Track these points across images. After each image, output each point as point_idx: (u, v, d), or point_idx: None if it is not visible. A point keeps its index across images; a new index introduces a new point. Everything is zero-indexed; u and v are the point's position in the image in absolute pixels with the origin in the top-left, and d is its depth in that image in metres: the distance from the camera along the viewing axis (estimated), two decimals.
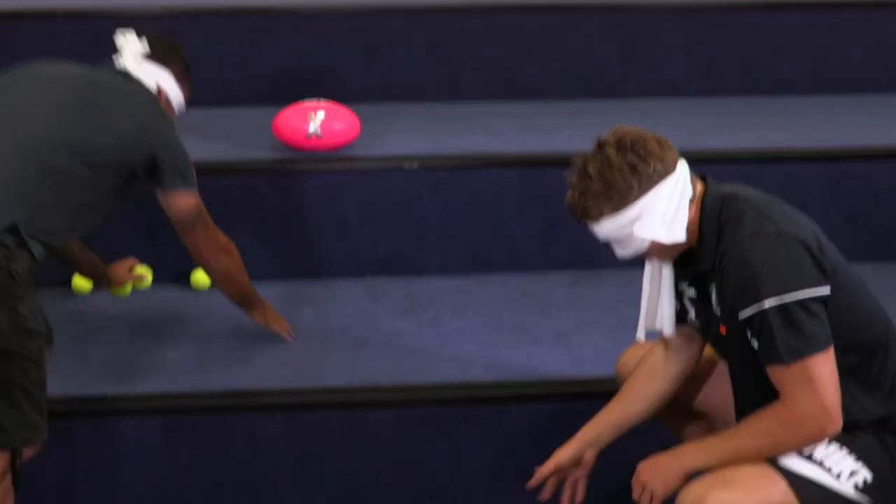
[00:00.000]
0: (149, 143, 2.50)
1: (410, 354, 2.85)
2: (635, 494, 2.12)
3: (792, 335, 1.92)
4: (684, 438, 2.37)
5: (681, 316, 2.21)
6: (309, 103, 3.35)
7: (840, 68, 4.08)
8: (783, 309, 1.92)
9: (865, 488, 2.00)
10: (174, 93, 2.74)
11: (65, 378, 2.65)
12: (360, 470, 2.67)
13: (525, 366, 2.78)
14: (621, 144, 2.00)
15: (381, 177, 3.28)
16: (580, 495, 2.30)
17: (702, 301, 2.13)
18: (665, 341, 2.26)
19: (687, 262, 2.10)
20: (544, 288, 3.21)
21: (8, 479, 2.24)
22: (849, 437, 2.02)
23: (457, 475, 2.69)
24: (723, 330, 2.08)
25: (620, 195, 1.98)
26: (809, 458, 2.00)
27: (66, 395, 2.54)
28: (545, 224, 3.30)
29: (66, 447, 2.56)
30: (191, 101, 4.12)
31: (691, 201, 2.04)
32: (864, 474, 2.00)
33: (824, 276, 1.96)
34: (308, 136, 3.28)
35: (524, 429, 2.69)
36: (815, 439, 1.97)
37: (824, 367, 1.93)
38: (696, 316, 2.18)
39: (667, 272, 2.17)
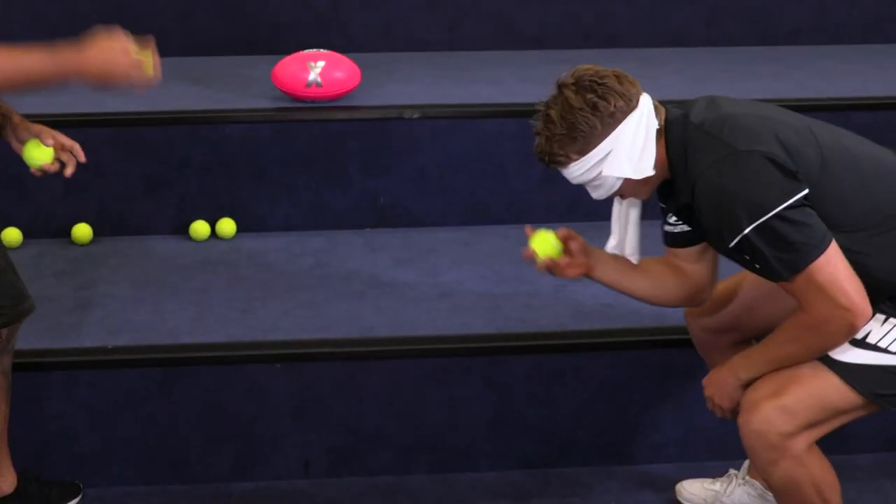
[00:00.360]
0: None
1: (410, 305, 2.85)
2: (709, 407, 2.18)
3: (783, 250, 1.90)
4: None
5: (689, 239, 2.17)
6: (309, 52, 3.33)
7: (845, 18, 4.02)
8: (764, 227, 1.90)
9: None
10: None
11: (64, 330, 2.66)
12: (359, 421, 2.68)
13: (525, 317, 2.78)
14: (580, 84, 1.97)
15: (382, 126, 3.27)
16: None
17: (699, 228, 2.10)
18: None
19: (667, 195, 2.09)
20: None
21: None
22: (894, 305, 2.00)
23: (455, 426, 2.70)
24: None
25: (584, 136, 1.96)
26: (864, 343, 1.99)
27: (66, 347, 2.55)
28: (545, 175, 3.23)
29: (66, 399, 2.57)
30: (188, 47, 4.11)
31: (658, 133, 2.01)
32: None
33: (796, 178, 1.92)
34: (308, 85, 3.26)
35: (523, 380, 2.69)
36: (848, 335, 1.96)
37: (827, 269, 1.91)
38: (708, 239, 2.13)
39: (634, 212, 2.17)
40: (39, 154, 2.20)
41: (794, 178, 1.92)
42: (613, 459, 2.72)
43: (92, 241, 3.17)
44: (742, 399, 2.06)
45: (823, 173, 1.95)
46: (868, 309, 1.94)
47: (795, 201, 1.90)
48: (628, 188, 2.05)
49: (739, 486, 2.50)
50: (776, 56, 3.90)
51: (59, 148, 2.24)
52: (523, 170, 3.28)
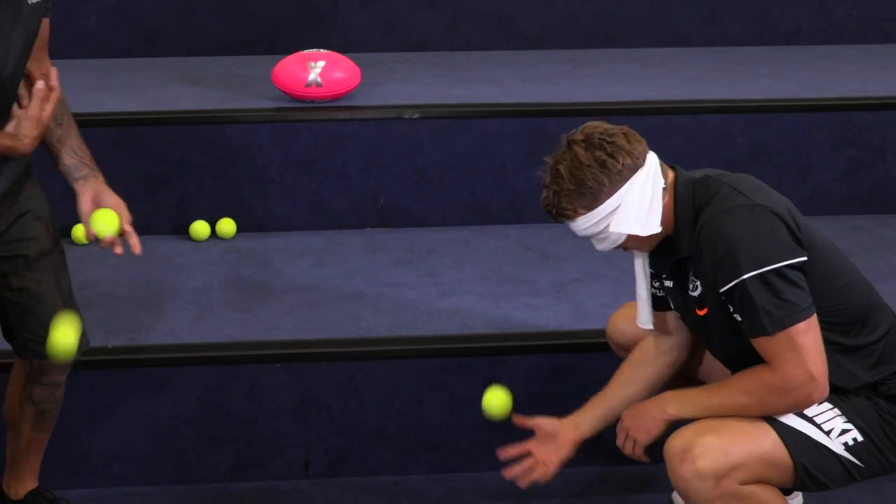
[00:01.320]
0: None
1: (410, 306, 2.85)
2: (619, 441, 2.18)
3: (773, 305, 1.93)
4: None
5: (666, 303, 2.22)
6: (309, 52, 3.34)
7: (845, 18, 4.02)
8: (762, 279, 1.92)
9: (855, 447, 2.02)
10: None
11: None
12: (359, 421, 2.68)
13: (525, 318, 2.79)
14: (590, 142, 2.01)
15: (382, 126, 3.28)
16: (551, 472, 2.27)
17: (679, 289, 2.14)
18: (655, 331, 2.27)
19: (665, 251, 2.11)
20: (545, 239, 3.21)
21: None
22: (841, 399, 2.03)
23: (456, 426, 2.70)
24: (701, 312, 2.08)
25: (593, 193, 2.00)
26: (801, 414, 2.01)
27: None
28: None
29: (67, 399, 2.56)
30: (188, 48, 4.11)
31: (664, 190, 2.05)
32: (855, 434, 2.02)
33: (800, 245, 1.97)
34: (308, 85, 3.27)
35: (524, 381, 2.68)
36: (802, 405, 1.99)
37: (808, 335, 1.94)
38: (674, 305, 2.19)
39: (640, 264, 2.19)
40: (107, 224, 2.13)
41: (798, 243, 1.97)
42: (613, 459, 2.64)
43: (91, 243, 3.16)
44: (672, 435, 2.04)
45: (819, 257, 2.01)
46: (827, 389, 1.97)
47: (796, 262, 1.95)
48: (632, 243, 2.08)
49: None
50: (776, 56, 3.91)
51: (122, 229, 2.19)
52: (524, 170, 3.27)
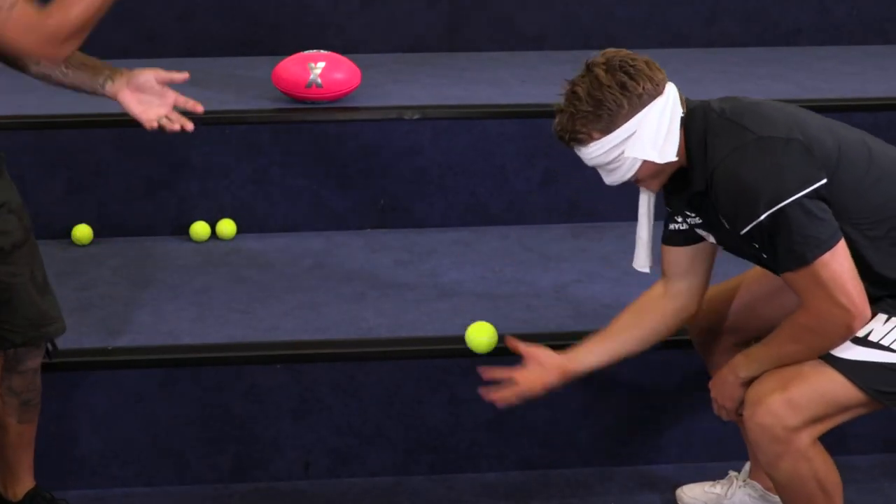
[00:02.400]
0: None
1: (410, 306, 2.85)
2: (715, 410, 2.20)
3: (793, 241, 1.90)
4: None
5: (692, 237, 2.17)
6: (309, 53, 3.34)
7: (845, 18, 4.02)
8: (779, 215, 1.90)
9: None
10: None
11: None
12: (359, 421, 2.68)
13: (525, 318, 2.79)
14: (610, 65, 1.96)
15: (382, 127, 3.28)
16: (532, 394, 2.23)
17: (712, 225, 2.09)
18: (663, 275, 2.22)
19: (680, 187, 2.07)
20: (544, 240, 3.21)
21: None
22: None
23: (456, 427, 2.70)
24: (724, 237, 2.07)
25: (610, 114, 1.95)
26: (866, 340, 1.99)
27: (66, 348, 2.53)
28: (546, 175, 3.30)
29: (66, 400, 2.57)
30: (189, 48, 4.10)
31: (682, 121, 2.01)
32: None
33: (814, 167, 1.92)
34: (308, 86, 3.27)
35: None
36: (845, 337, 1.96)
37: (833, 266, 1.91)
38: (717, 239, 2.13)
39: (646, 203, 2.15)
40: None
41: (812, 167, 1.92)
42: (613, 460, 2.72)
43: (92, 242, 3.17)
44: (746, 394, 2.07)
45: (840, 164, 1.96)
46: (867, 311, 1.94)
47: (812, 191, 1.90)
48: (644, 174, 2.03)
49: (740, 488, 2.50)
50: (776, 56, 3.90)
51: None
52: (524, 170, 3.29)
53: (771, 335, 2.06)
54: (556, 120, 2.01)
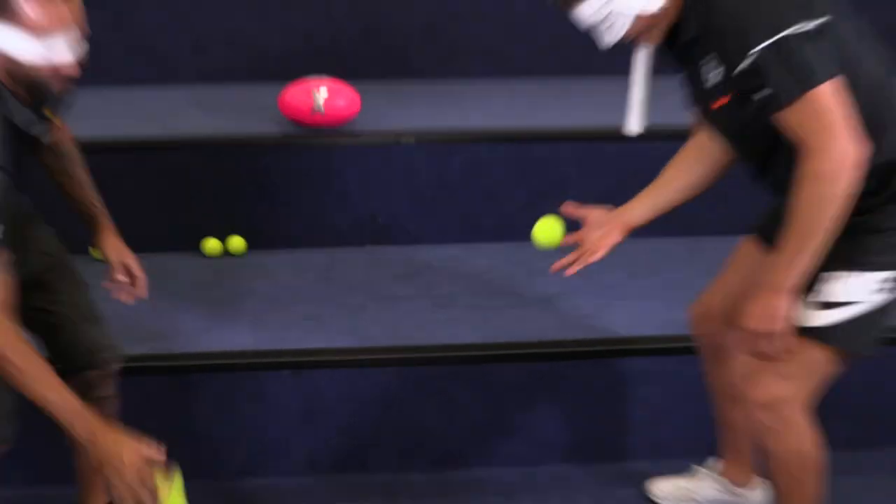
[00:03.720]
0: None
1: (407, 317, 2.88)
2: (754, 348, 1.99)
3: (789, 72, 1.78)
4: (728, 345, 2.28)
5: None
6: (313, 80, 3.33)
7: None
8: (774, 48, 1.78)
9: (889, 285, 1.94)
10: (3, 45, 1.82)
11: None
12: (360, 423, 2.71)
13: (513, 327, 2.81)
14: None
15: (381, 151, 3.29)
16: (598, 256, 2.18)
17: (690, 78, 2.01)
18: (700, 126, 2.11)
19: (673, 40, 1.98)
20: (531, 256, 3.10)
21: None
22: (859, 259, 1.92)
23: (449, 428, 2.74)
24: (715, 105, 1.95)
25: None
26: (828, 304, 1.94)
27: None
28: (532, 196, 3.30)
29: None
30: (201, 77, 4.07)
31: None
32: (879, 275, 1.93)
33: (816, 6, 1.81)
34: (312, 112, 3.27)
35: (512, 387, 2.73)
36: (850, 171, 1.80)
37: (831, 98, 1.78)
38: (687, 93, 2.05)
39: (642, 62, 2.07)
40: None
41: (812, 9, 1.81)
42: (594, 457, 2.76)
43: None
44: (742, 380, 2.04)
45: (833, 16, 1.83)
46: (860, 144, 1.80)
47: (814, 28, 1.78)
48: (640, 28, 1.95)
49: (707, 481, 2.52)
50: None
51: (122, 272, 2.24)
52: (511, 191, 3.32)
53: (785, 234, 1.89)
54: None
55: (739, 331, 2.01)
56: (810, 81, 1.80)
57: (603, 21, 1.95)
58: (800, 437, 2.06)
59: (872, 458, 2.76)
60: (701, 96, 2.01)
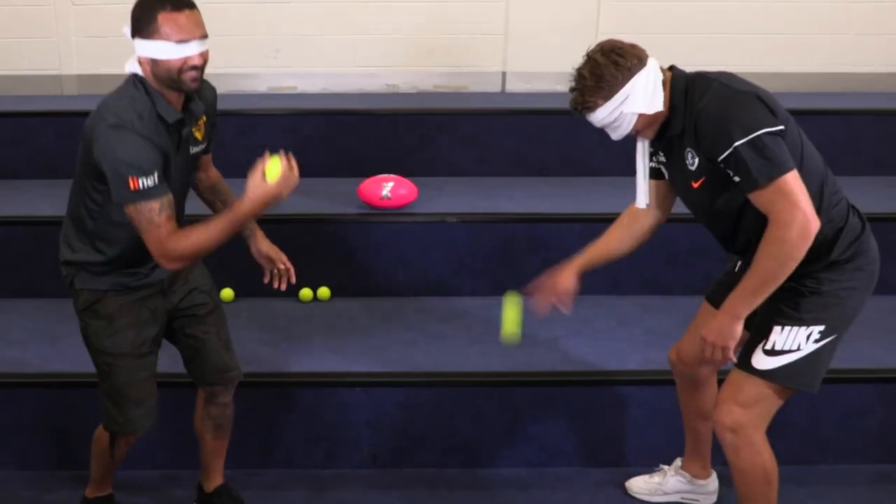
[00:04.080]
0: (94, 154, 1.88)
1: (448, 350, 2.86)
2: (708, 355, 1.98)
3: (763, 162, 1.79)
4: (698, 377, 2.28)
5: (658, 174, 2.10)
6: (382, 176, 3.37)
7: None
8: (751, 143, 1.79)
9: (823, 335, 1.93)
10: (150, 53, 1.89)
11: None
12: (412, 428, 2.69)
13: (528, 361, 2.78)
14: (604, 50, 1.92)
15: (431, 227, 3.29)
16: (567, 309, 2.21)
17: (676, 165, 2.00)
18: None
19: (661, 133, 1.99)
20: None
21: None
22: (795, 315, 1.92)
23: (480, 435, 2.71)
24: (696, 184, 1.95)
25: (609, 85, 1.90)
26: (774, 351, 1.94)
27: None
28: (544, 262, 3.22)
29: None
30: (301, 172, 4.14)
31: (663, 83, 1.94)
32: (816, 328, 1.92)
33: (777, 119, 1.84)
34: (381, 198, 3.29)
35: (527, 404, 2.70)
36: (805, 242, 1.81)
37: (794, 183, 1.80)
38: (670, 176, 2.06)
39: (641, 151, 2.06)
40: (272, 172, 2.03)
41: (776, 118, 1.84)
42: (591, 462, 2.72)
43: (233, 301, 3.21)
44: (717, 410, 2.02)
45: (785, 127, 1.87)
46: (817, 221, 1.82)
47: (778, 130, 1.82)
48: (641, 125, 1.95)
49: (672, 476, 2.47)
50: None
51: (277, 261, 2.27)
52: (529, 258, 3.28)
53: (747, 274, 1.89)
54: (572, 98, 1.95)
55: (700, 341, 1.98)
56: (780, 169, 1.81)
57: (614, 121, 1.95)
58: (758, 454, 2.02)
59: (816, 471, 2.68)
60: (683, 177, 2.00)
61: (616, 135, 1.99)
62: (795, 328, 1.93)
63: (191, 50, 1.89)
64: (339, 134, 3.88)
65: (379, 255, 3.30)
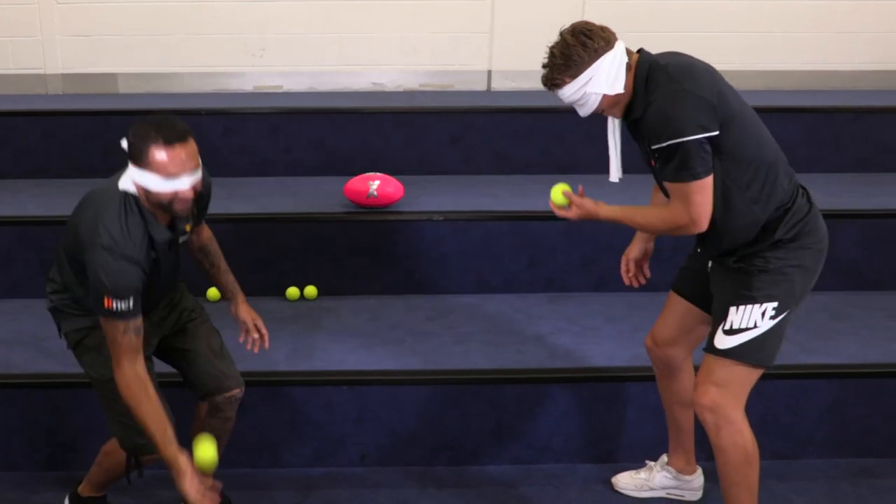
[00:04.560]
0: (84, 257, 1.95)
1: (435, 348, 2.85)
2: (561, 213, 2.12)
3: (678, 165, 1.91)
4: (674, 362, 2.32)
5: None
6: (368, 174, 3.36)
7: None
8: (677, 146, 1.90)
9: (777, 311, 1.99)
10: (142, 183, 1.94)
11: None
12: (400, 428, 2.68)
13: (516, 358, 2.79)
14: (574, 31, 1.98)
15: (417, 225, 3.28)
16: (646, 275, 2.35)
17: (640, 143, 2.07)
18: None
19: (627, 115, 2.05)
20: (529, 304, 3.20)
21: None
22: (748, 294, 1.99)
23: (467, 433, 2.70)
24: (653, 163, 2.04)
25: (576, 65, 1.95)
26: (733, 330, 2.01)
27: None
28: (530, 260, 3.29)
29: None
30: (287, 171, 4.10)
31: (628, 67, 1.99)
32: (770, 305, 1.99)
33: (714, 121, 1.91)
34: (367, 197, 3.28)
35: (514, 402, 2.69)
36: (681, 233, 2.00)
37: (700, 191, 1.92)
38: (642, 156, 2.11)
39: (612, 129, 2.11)
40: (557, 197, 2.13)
41: (712, 120, 1.91)
42: (578, 459, 2.71)
43: (220, 300, 3.18)
44: (695, 392, 2.06)
45: (732, 123, 1.94)
46: (704, 229, 1.96)
47: (704, 138, 1.90)
48: (605, 104, 2.01)
49: (658, 472, 2.48)
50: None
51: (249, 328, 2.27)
52: (514, 256, 3.29)
53: (641, 208, 2.06)
54: (543, 74, 2.01)
55: (574, 208, 2.10)
56: (690, 175, 1.93)
57: (579, 99, 2.00)
58: (738, 432, 2.05)
59: (797, 466, 2.69)
60: (645, 156, 2.07)
61: (583, 112, 2.04)
62: (750, 306, 1.99)
63: (181, 185, 1.91)
64: (325, 133, 3.86)
65: (365, 254, 3.29)
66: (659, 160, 1.97)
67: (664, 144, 1.92)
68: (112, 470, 2.26)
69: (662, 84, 1.94)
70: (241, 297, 2.33)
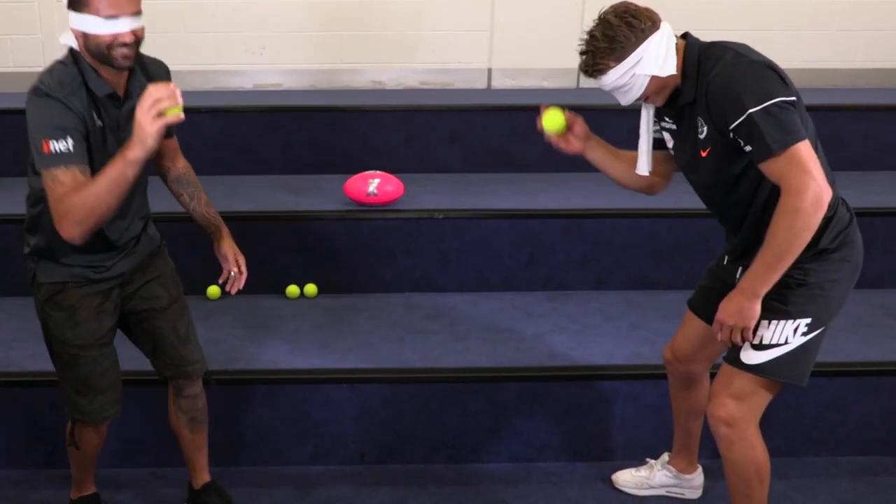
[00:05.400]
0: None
1: (435, 346, 2.84)
2: (724, 338, 1.91)
3: (777, 130, 1.73)
4: (693, 375, 2.26)
5: (661, 144, 2.05)
6: (369, 172, 3.35)
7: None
8: (765, 111, 1.73)
9: (810, 328, 1.89)
10: (80, 27, 1.86)
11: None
12: (399, 425, 2.67)
13: (514, 356, 2.78)
14: (618, 12, 1.85)
15: (418, 223, 3.28)
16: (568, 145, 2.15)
17: (685, 133, 1.94)
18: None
19: (672, 100, 1.93)
20: (528, 302, 3.20)
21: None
22: (783, 308, 1.88)
23: (466, 431, 2.69)
24: (703, 153, 1.89)
25: (622, 47, 1.82)
26: (762, 346, 1.90)
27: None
28: (529, 258, 3.29)
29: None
30: (287, 169, 4.10)
31: (676, 49, 1.87)
32: (803, 321, 1.89)
33: (790, 88, 1.79)
34: (368, 195, 3.28)
35: (514, 400, 2.69)
36: (819, 209, 1.74)
37: (806, 151, 1.74)
38: (674, 145, 2.00)
39: (645, 118, 1.99)
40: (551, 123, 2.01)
41: (788, 89, 1.79)
42: (578, 457, 2.71)
43: (220, 298, 3.19)
44: (710, 403, 1.98)
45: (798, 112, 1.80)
46: (829, 190, 1.76)
47: (791, 100, 1.76)
48: (652, 89, 1.88)
49: (659, 471, 2.47)
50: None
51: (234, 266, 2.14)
52: (514, 254, 3.29)
53: (761, 250, 1.81)
54: (582, 61, 1.86)
55: (717, 323, 1.91)
56: (793, 138, 1.75)
57: (624, 84, 1.86)
58: (751, 448, 1.99)
59: (798, 464, 2.68)
60: (693, 145, 1.92)
61: (625, 99, 1.90)
62: (783, 322, 1.89)
63: (120, 27, 1.83)
64: (325, 131, 3.85)
65: (365, 252, 3.28)
66: (742, 136, 1.76)
67: (754, 110, 1.72)
68: (78, 458, 2.24)
69: (725, 60, 1.80)
70: (224, 231, 2.19)
